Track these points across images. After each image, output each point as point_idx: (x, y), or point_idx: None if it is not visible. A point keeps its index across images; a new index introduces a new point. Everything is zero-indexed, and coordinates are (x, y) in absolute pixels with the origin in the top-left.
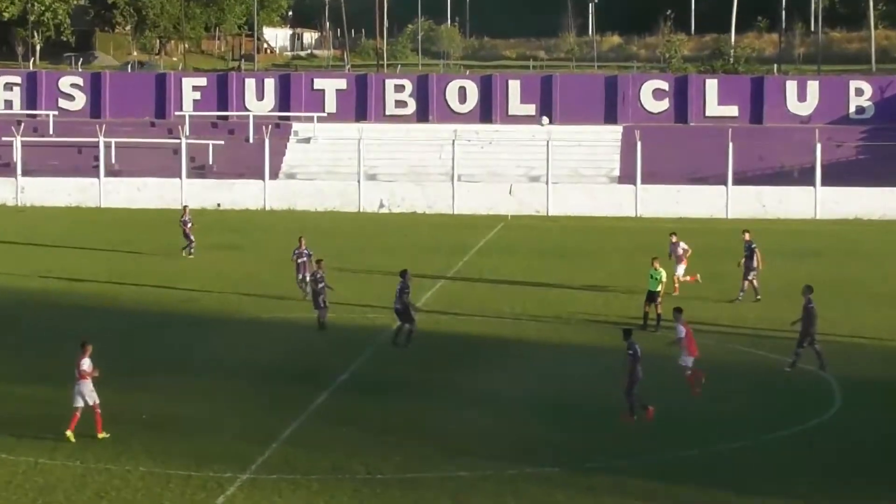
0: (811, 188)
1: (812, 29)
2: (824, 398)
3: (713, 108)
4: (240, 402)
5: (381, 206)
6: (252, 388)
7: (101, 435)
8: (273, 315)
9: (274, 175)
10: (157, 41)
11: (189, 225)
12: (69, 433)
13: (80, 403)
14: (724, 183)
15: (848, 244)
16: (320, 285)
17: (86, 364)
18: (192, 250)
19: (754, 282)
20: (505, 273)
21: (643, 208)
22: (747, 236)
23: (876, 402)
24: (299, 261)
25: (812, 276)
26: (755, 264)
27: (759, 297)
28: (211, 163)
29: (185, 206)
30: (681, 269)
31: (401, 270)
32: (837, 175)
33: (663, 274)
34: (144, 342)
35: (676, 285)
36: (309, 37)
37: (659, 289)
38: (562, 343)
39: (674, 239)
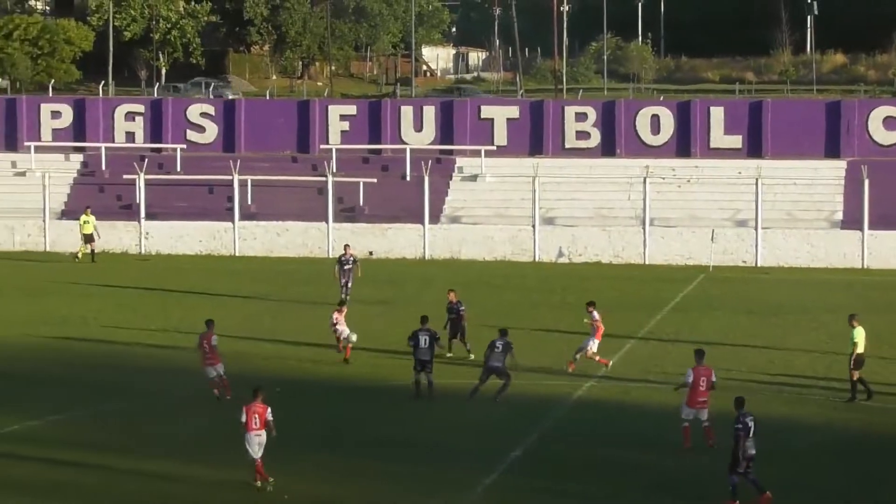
0: None
1: None
2: None
3: None
4: (393, 482)
5: (560, 254)
6: (409, 465)
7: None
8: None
9: (434, 218)
10: (300, 63)
11: (347, 266)
12: (259, 483)
13: (255, 455)
14: None
15: None
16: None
17: (268, 414)
18: (348, 294)
19: None
20: (707, 333)
21: (871, 258)
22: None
23: None
24: (451, 316)
25: None
26: None
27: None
28: (362, 204)
29: (346, 246)
30: None
31: (501, 329)
32: None
33: (858, 334)
34: (287, 408)
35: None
36: (475, 57)
37: (854, 351)
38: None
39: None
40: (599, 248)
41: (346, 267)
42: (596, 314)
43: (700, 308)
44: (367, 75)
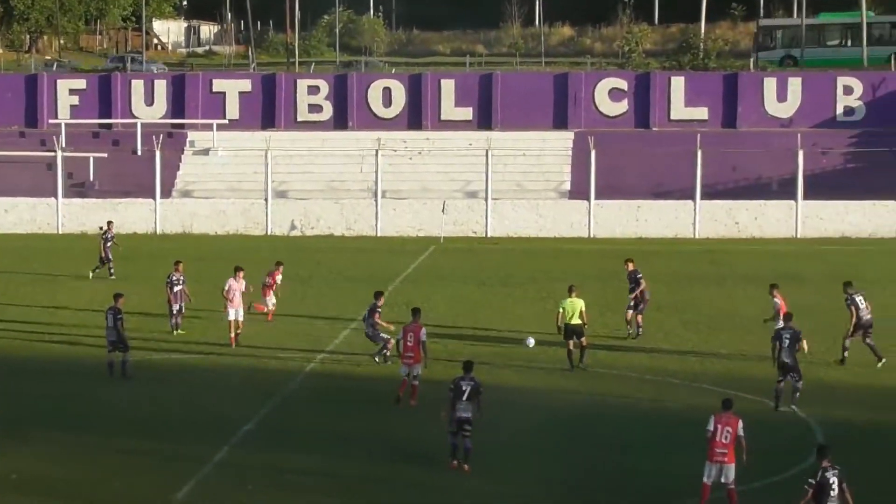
0: (792, 202)
1: (795, 17)
2: (805, 444)
3: (679, 110)
4: (128, 459)
5: (293, 228)
6: (143, 443)
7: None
8: (166, 357)
9: (166, 193)
10: (27, 37)
11: (109, 244)
12: None
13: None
14: (692, 197)
15: (834, 267)
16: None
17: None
18: (112, 270)
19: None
20: (437, 304)
21: (598, 227)
22: (630, 266)
23: (862, 447)
24: (175, 289)
25: (793, 304)
26: (647, 296)
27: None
28: (92, 179)
29: (109, 222)
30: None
31: (375, 292)
32: (823, 187)
33: (570, 304)
34: (18, 389)
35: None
36: (207, 30)
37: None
38: (505, 385)
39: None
40: (332, 220)
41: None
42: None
43: (431, 279)
44: (98, 49)
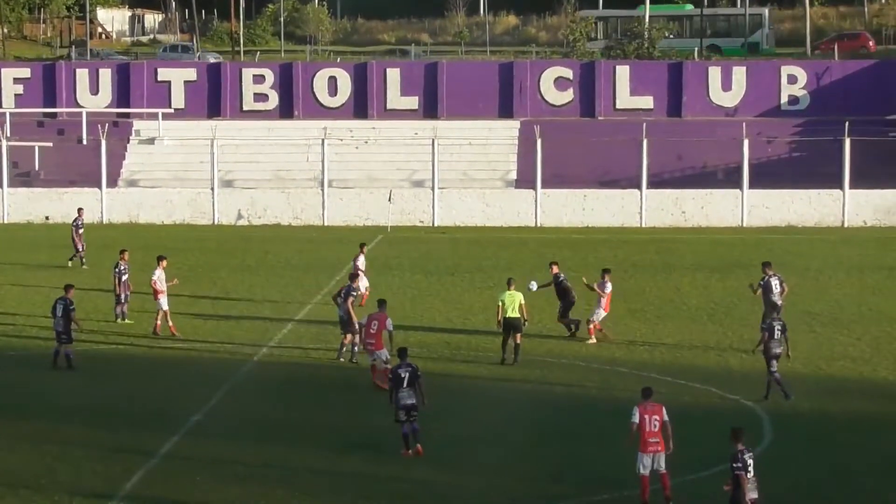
0: (737, 191)
1: (738, 5)
2: (752, 433)
3: (625, 99)
4: (73, 449)
5: (240, 217)
6: (89, 433)
7: None
8: (113, 346)
9: (112, 183)
10: None
11: (81, 231)
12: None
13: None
14: (638, 186)
15: (779, 256)
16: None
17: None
18: (84, 260)
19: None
20: (384, 294)
21: (544, 216)
22: (555, 269)
23: (809, 437)
24: (122, 278)
25: (738, 293)
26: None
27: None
28: (37, 168)
29: (80, 210)
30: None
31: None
32: (768, 176)
33: (518, 298)
34: None
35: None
36: (151, 19)
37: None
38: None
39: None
40: (279, 210)
41: (80, 231)
42: (609, 285)
43: (378, 268)
44: (42, 38)
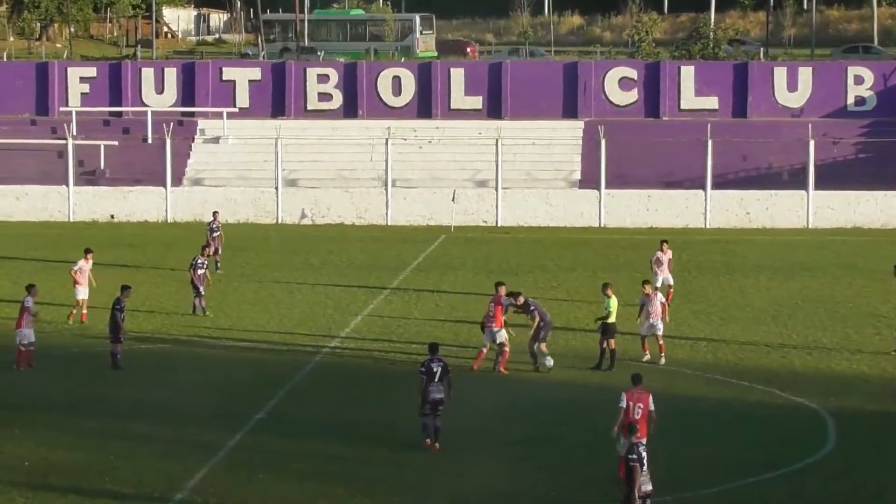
0: (803, 192)
1: (805, 6)
2: (816, 435)
3: (689, 99)
4: (136, 447)
5: (303, 216)
6: (151, 431)
7: None
8: (178, 344)
9: (177, 181)
10: (38, 25)
11: (217, 233)
12: None
13: None
14: (703, 187)
15: (845, 258)
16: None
17: None
18: (218, 264)
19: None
20: (448, 293)
21: (608, 217)
22: (521, 300)
23: (875, 440)
24: (199, 271)
25: (802, 294)
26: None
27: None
28: (103, 167)
29: (215, 213)
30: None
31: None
32: (834, 177)
33: (612, 304)
34: (28, 376)
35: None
36: (217, 18)
37: (611, 320)
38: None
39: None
40: (342, 209)
41: (215, 234)
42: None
43: (441, 268)
44: (108, 37)
